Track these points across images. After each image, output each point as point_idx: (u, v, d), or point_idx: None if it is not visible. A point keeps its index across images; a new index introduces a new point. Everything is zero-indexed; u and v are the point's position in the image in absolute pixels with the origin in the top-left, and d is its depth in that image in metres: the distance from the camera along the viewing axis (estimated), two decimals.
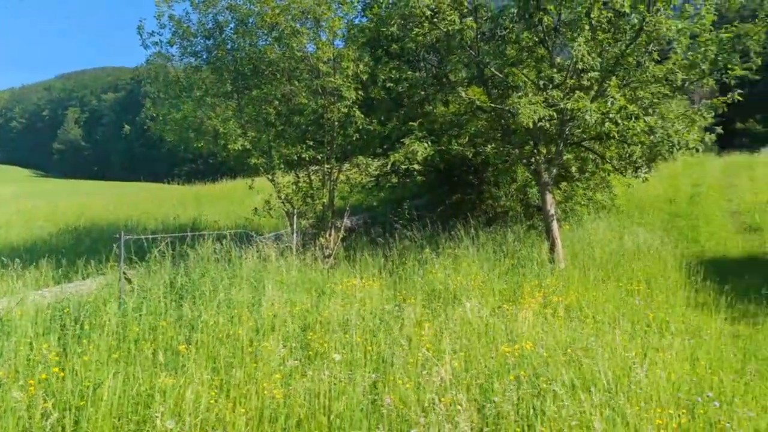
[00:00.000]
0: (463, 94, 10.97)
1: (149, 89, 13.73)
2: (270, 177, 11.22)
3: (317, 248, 10.36)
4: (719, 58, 9.66)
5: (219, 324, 5.61)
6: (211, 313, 5.76)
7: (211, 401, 4.07)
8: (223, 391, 4.37)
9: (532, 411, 3.96)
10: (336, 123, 10.84)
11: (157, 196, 29.06)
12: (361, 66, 10.58)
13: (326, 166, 11.21)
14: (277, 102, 11.16)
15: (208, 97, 11.43)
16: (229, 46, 11.45)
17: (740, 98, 10.09)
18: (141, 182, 57.86)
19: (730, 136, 46.09)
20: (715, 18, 9.72)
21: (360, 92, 10.61)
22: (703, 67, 9.74)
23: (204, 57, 11.63)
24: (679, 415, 4.27)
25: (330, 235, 11.04)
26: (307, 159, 11.01)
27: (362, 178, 12.06)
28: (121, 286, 6.77)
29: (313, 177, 11.57)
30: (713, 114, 11.12)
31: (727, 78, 9.98)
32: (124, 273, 7.16)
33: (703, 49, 9.61)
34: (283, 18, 10.16)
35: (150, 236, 8.33)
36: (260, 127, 11.16)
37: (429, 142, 10.29)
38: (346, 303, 6.86)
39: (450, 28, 9.50)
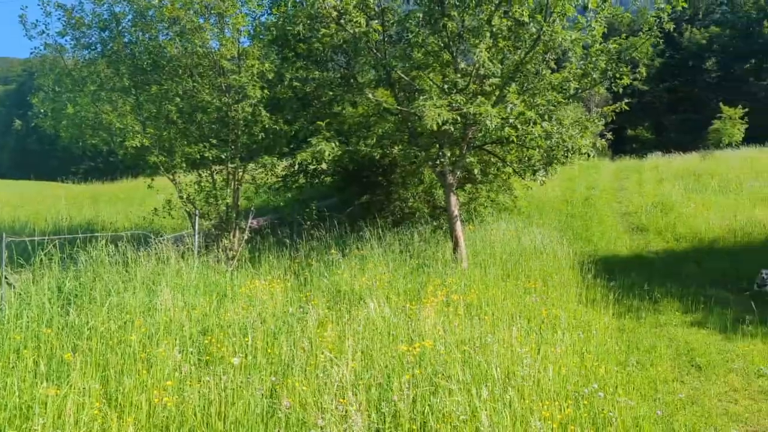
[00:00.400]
0: (370, 95, 11.04)
1: (41, 82, 12.86)
2: (171, 176, 10.80)
3: (220, 250, 10.07)
4: (609, 68, 10.24)
5: (110, 330, 5.32)
6: (102, 319, 5.46)
7: (96, 411, 3.85)
8: (111, 400, 4.15)
9: (428, 408, 4.03)
10: (241, 122, 10.60)
11: (50, 195, 27.27)
12: (266, 65, 10.41)
13: (231, 165, 10.93)
14: (178, 99, 10.76)
15: (103, 91, 10.85)
16: (126, 39, 10.93)
17: (627, 107, 10.78)
18: (32, 180, 53.98)
19: (621, 142, 49.34)
20: (605, 30, 10.31)
21: (266, 91, 10.44)
22: (594, 76, 10.32)
23: (99, 49, 11.03)
24: (567, 406, 4.49)
25: (234, 236, 10.78)
26: (211, 158, 10.69)
27: (268, 179, 11.85)
28: (1, 293, 6.30)
29: (216, 177, 11.26)
30: (604, 121, 11.85)
31: (615, 87, 10.58)
32: (5, 278, 6.67)
33: (594, 59, 10.17)
34: (185, 12, 9.81)
35: (37, 238, 7.78)
36: (160, 125, 10.72)
37: (337, 143, 10.26)
38: (249, 305, 6.73)
39: (356, 30, 9.52)
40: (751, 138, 33.68)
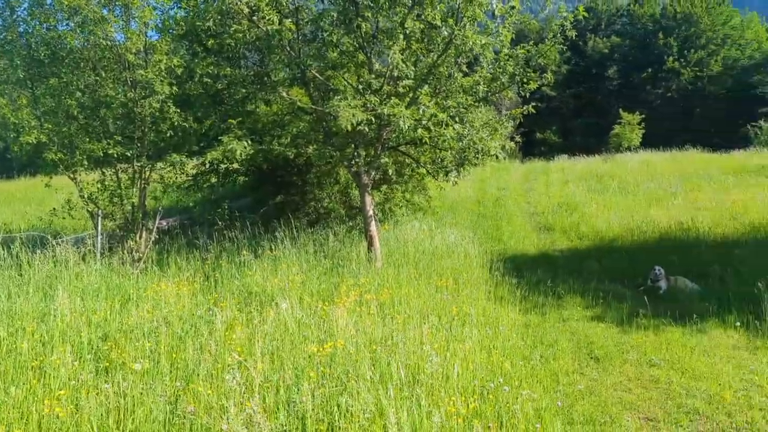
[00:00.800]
0: (284, 94, 10.91)
1: None
2: (71, 175, 10.22)
3: (126, 252, 9.64)
4: (516, 73, 10.63)
5: None
6: None
7: None
8: None
9: (336, 408, 4.03)
10: (148, 118, 10.18)
11: None
12: (175, 60, 10.05)
13: (137, 163, 10.48)
14: (80, 93, 10.19)
15: None
16: (21, 29, 10.25)
17: (534, 110, 11.23)
18: None
19: (530, 145, 51.34)
20: (513, 36, 10.69)
21: (175, 87, 10.08)
22: (503, 80, 10.69)
23: None
24: (473, 401, 4.61)
25: (140, 237, 10.34)
26: (116, 156, 10.19)
27: (178, 178, 11.45)
28: None
29: (122, 175, 10.75)
30: (513, 124, 12.30)
31: (523, 91, 10.98)
32: None
33: (503, 63, 10.53)
34: (86, 2, 9.31)
35: None
36: (60, 120, 10.11)
37: (249, 141, 10.07)
38: (155, 309, 6.47)
39: (269, 27, 9.38)
40: (648, 142, 36.07)
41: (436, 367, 4.84)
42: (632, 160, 28.03)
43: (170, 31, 11.34)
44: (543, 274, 11.35)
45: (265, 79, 11.75)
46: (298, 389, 4.24)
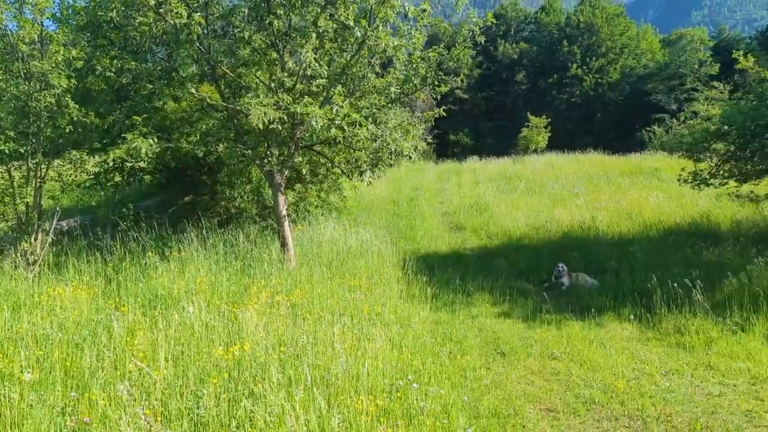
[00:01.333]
0: (193, 90, 10.58)
1: None
2: None
3: (19, 254, 9.02)
4: (428, 75, 10.82)
5: None
6: None
7: None
8: None
9: (242, 412, 3.95)
10: (44, 113, 9.56)
11: None
12: (74, 51, 9.50)
13: (32, 161, 9.82)
14: None
15: None
16: None
17: (445, 113, 11.50)
18: None
19: (444, 146, 52.49)
20: (425, 38, 10.89)
21: (74, 81, 9.54)
22: (416, 82, 10.86)
23: None
24: (382, 399, 4.66)
25: (36, 239, 9.70)
26: (7, 152, 9.50)
27: (78, 176, 10.84)
28: None
29: (14, 173, 10.04)
30: (426, 125, 12.52)
31: (435, 93, 11.20)
32: None
33: (415, 65, 10.69)
34: None
35: None
36: None
37: (155, 139, 9.68)
38: (50, 314, 6.10)
39: (177, 21, 9.06)
40: (553, 145, 37.79)
41: (345, 367, 4.85)
42: (539, 161, 29.24)
43: (70, 21, 10.72)
44: (454, 272, 11.63)
45: (173, 74, 11.32)
46: (203, 395, 4.13)
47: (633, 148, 35.96)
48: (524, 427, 5.29)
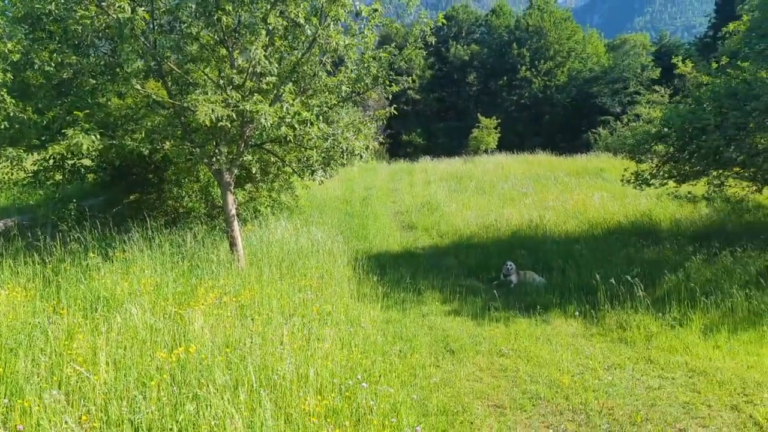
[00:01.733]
0: (138, 86, 10.29)
1: None
2: None
3: None
4: (380, 75, 10.84)
5: None
6: None
7: None
8: None
9: (185, 416, 3.86)
10: None
11: None
12: (9, 44, 9.11)
13: None
14: None
15: None
16: None
17: (396, 112, 11.53)
18: None
19: (397, 146, 52.71)
20: (377, 37, 10.89)
21: (9, 74, 9.14)
22: (367, 82, 10.85)
23: None
24: (331, 399, 4.64)
25: None
26: None
27: (14, 174, 10.40)
28: None
29: None
30: (379, 125, 12.54)
31: (386, 93, 11.22)
32: None
33: (366, 65, 10.69)
34: None
35: None
36: None
37: (97, 135, 9.36)
38: None
39: (120, 15, 8.78)
40: (503, 145, 38.49)
41: (293, 367, 4.80)
42: (489, 162, 29.71)
43: (6, 13, 10.26)
44: (405, 271, 11.70)
45: (118, 69, 10.99)
46: (144, 399, 4.02)
47: (579, 149, 36.95)
48: (472, 423, 5.36)
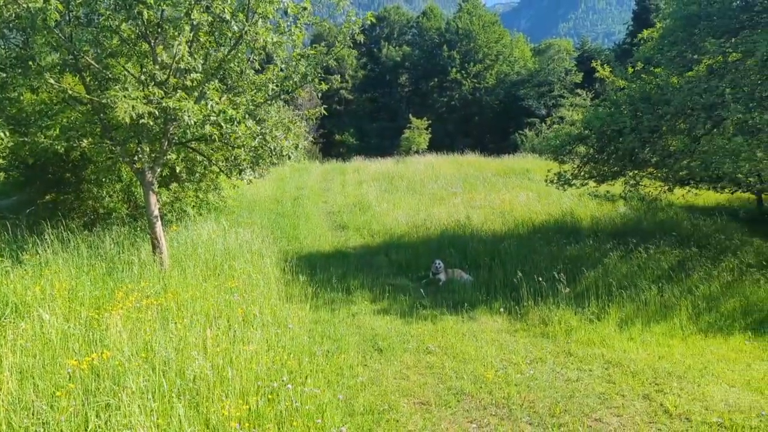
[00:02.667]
0: (52, 81, 9.79)
1: None
2: None
3: None
4: (309, 73, 10.75)
5: None
6: None
7: None
8: None
9: (94, 424, 3.70)
10: None
11: None
12: None
13: None
14: None
15: None
16: None
17: (326, 112, 11.48)
18: None
19: (330, 146, 52.54)
20: (305, 36, 10.80)
21: None
22: (296, 80, 10.75)
23: None
24: (254, 402, 4.56)
25: None
26: None
27: None
28: None
29: None
30: (308, 124, 12.43)
31: (316, 92, 11.15)
32: None
33: (295, 63, 10.59)
34: None
35: None
36: None
37: (7, 132, 8.86)
38: None
39: (31, 5, 8.32)
40: (434, 146, 39.05)
41: (214, 371, 4.69)
42: (420, 162, 30.05)
43: None
44: (336, 270, 11.66)
45: (30, 63, 10.43)
46: (52, 409, 3.82)
47: (507, 149, 37.97)
48: (398, 421, 5.39)
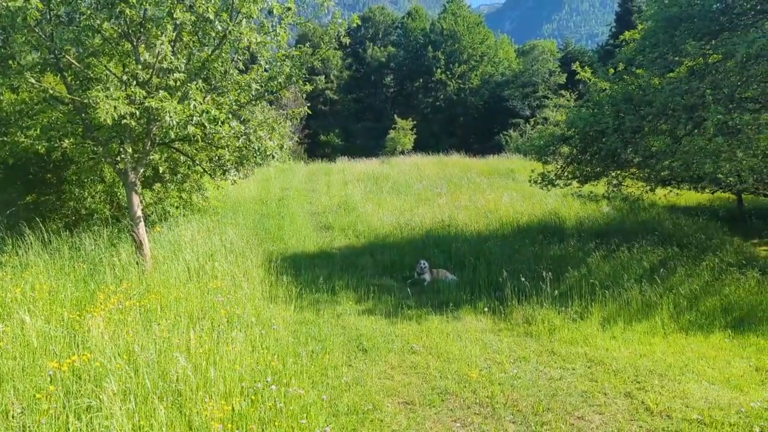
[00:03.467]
0: (33, 80, 9.68)
1: None
2: None
3: None
4: (293, 74, 10.73)
5: None
6: None
7: None
8: None
9: (75, 427, 3.67)
10: None
11: None
12: None
13: None
14: None
15: None
16: None
17: (310, 111, 11.47)
18: None
19: (315, 147, 52.42)
20: (289, 36, 10.77)
21: None
22: (280, 80, 10.72)
23: None
24: (237, 403, 4.54)
25: None
26: None
27: None
28: None
29: None
30: (292, 124, 12.40)
31: (301, 92, 11.14)
32: None
33: (279, 63, 10.56)
34: None
35: None
36: None
37: None
38: None
39: (10, 4, 8.23)
40: (419, 146, 39.12)
41: (197, 373, 4.66)
42: (405, 163, 30.09)
43: None
44: (321, 271, 11.63)
45: (10, 62, 10.30)
46: (32, 412, 3.78)
47: (492, 150, 38.17)
48: (382, 421, 5.40)
